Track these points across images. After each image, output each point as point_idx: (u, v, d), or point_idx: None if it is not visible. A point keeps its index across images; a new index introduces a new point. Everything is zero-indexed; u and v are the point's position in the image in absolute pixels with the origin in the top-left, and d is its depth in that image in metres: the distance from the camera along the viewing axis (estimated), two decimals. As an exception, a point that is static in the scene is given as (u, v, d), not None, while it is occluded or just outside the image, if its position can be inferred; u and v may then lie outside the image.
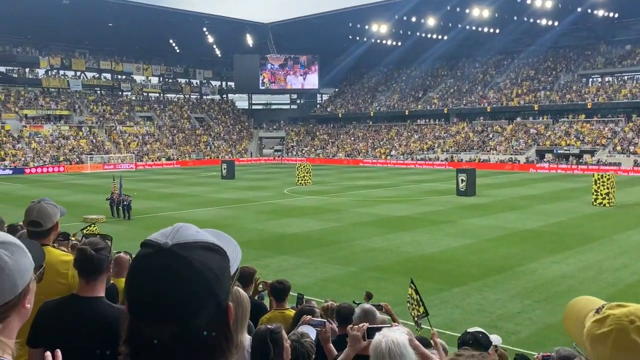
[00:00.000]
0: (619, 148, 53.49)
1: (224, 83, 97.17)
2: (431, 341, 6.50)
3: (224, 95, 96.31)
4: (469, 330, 4.42)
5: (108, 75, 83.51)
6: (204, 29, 77.95)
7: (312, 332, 3.64)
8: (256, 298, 6.19)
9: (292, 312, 5.08)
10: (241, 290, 3.25)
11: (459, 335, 10.08)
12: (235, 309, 3.13)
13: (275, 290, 5.49)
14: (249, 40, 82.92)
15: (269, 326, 3.15)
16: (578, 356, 4.02)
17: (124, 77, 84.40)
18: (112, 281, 4.83)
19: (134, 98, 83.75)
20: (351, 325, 3.48)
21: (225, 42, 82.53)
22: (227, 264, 1.19)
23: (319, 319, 3.94)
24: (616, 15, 64.37)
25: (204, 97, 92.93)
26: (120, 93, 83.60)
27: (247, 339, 3.18)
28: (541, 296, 13.49)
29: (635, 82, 60.93)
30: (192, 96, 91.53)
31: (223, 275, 1.15)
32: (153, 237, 1.17)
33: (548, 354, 4.70)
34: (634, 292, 13.69)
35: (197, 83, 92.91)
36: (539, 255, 17.67)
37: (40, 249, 1.74)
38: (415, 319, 7.90)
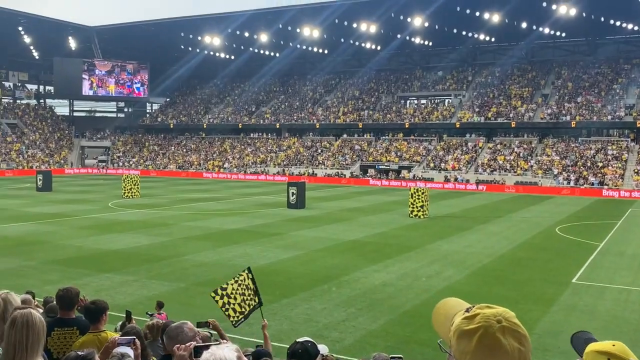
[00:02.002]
0: (432, 165, 58.67)
1: (41, 87, 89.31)
2: (265, 332, 6.51)
3: (42, 101, 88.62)
4: (298, 340, 4.48)
5: None
6: (20, 28, 71.11)
7: (131, 352, 3.51)
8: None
9: (109, 334, 4.74)
10: (34, 312, 2.95)
11: (288, 346, 10.10)
12: (24, 331, 2.80)
13: (88, 311, 5.06)
14: (72, 43, 77.26)
15: (79, 352, 2.90)
16: (444, 352, 4.26)
17: None
18: None
19: None
20: (177, 345, 3.34)
21: (44, 43, 76.07)
22: None
23: (128, 337, 3.76)
24: (431, 43, 70.88)
25: (18, 101, 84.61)
26: None
27: None
28: (364, 304, 14.20)
29: (445, 105, 67.41)
30: (3, 100, 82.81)
31: None
32: None
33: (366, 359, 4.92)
34: (445, 297, 14.94)
35: (10, 86, 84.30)
36: (362, 265, 18.63)
37: None
38: (248, 310, 7.57)
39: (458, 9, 55.54)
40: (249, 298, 7.45)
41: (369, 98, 73.24)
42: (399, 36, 65.94)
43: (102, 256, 19.72)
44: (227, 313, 7.14)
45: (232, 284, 7.30)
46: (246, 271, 7.55)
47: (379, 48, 71.83)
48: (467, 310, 1.52)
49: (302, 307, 13.80)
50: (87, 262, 18.71)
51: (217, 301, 7.17)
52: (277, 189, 47.60)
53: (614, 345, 1.78)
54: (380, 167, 61.03)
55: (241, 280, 7.40)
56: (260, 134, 75.54)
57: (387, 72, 77.12)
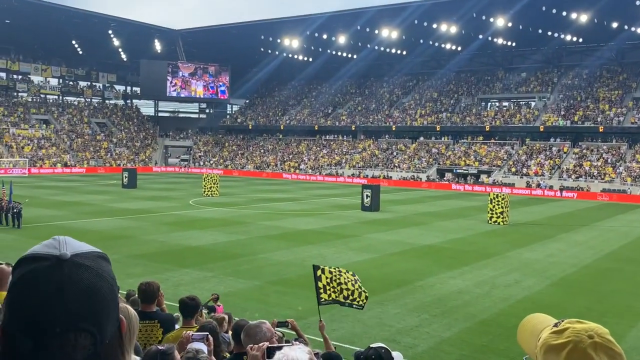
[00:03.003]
0: (513, 169, 56.77)
1: (128, 88, 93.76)
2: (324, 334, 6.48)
3: (129, 101, 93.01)
4: (372, 345, 4.39)
5: (3, 75, 78.28)
6: (110, 32, 74.97)
7: (205, 348, 3.58)
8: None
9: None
10: (130, 307, 3.07)
11: (360, 349, 10.05)
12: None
13: (184, 306, 5.20)
14: (157, 45, 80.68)
15: (160, 347, 2.97)
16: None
17: (20, 77, 79.50)
18: None
19: (30, 99, 78.98)
20: (251, 345, 3.36)
21: (131, 46, 79.84)
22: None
23: (201, 333, 3.82)
24: (514, 44, 68.69)
25: (107, 101, 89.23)
26: (15, 94, 78.60)
27: (135, 359, 3.01)
28: (438, 310, 13.90)
29: (528, 108, 65.11)
30: (93, 100, 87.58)
31: (116, 285, 1.14)
32: (40, 250, 1.09)
33: None
34: (523, 308, 14.41)
35: (100, 87, 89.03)
36: (437, 270, 18.26)
37: None
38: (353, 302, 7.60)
39: (544, 8, 53.46)
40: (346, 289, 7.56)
41: (447, 100, 71.89)
42: (480, 37, 64.33)
43: (182, 252, 20.37)
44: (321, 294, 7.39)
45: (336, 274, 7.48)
46: (350, 273, 7.69)
47: (459, 49, 70.33)
48: (556, 325, 1.40)
49: (374, 310, 13.67)
50: (168, 257, 19.38)
51: (319, 276, 7.43)
52: (351, 191, 47.58)
53: None
54: (458, 171, 59.73)
55: (343, 275, 7.53)
56: (335, 135, 75.81)
57: (468, 73, 75.41)
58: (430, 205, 39.27)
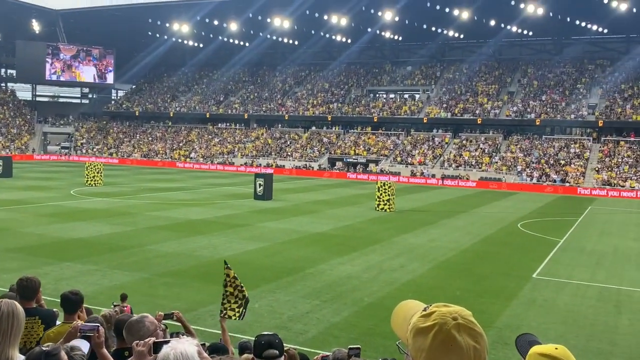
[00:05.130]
0: (399, 159, 59.10)
1: (3, 70, 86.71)
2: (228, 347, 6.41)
3: (3, 84, 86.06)
4: (264, 333, 4.36)
5: None
6: (-20, 8, 68.87)
7: (84, 345, 3.44)
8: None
9: None
10: (17, 304, 2.94)
11: (249, 338, 10.06)
12: (10, 320, 2.80)
13: (67, 301, 4.96)
14: (35, 26, 75.10)
15: (44, 347, 2.84)
16: (402, 354, 4.28)
17: None
18: None
19: None
20: (136, 342, 3.28)
21: (6, 25, 73.93)
22: None
23: (91, 324, 3.68)
24: (401, 38, 71.23)
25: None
26: None
27: (19, 357, 2.89)
28: (328, 296, 14.25)
29: (413, 100, 67.92)
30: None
31: None
32: None
33: (327, 354, 4.90)
34: (408, 290, 15.12)
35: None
36: (327, 257, 18.68)
37: None
38: (243, 309, 7.27)
39: (428, 4, 55.85)
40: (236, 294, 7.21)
41: (338, 91, 73.27)
42: (369, 30, 66.03)
43: (63, 245, 19.32)
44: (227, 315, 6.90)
45: (230, 288, 7.09)
46: (226, 267, 7.22)
47: (349, 41, 71.86)
48: (425, 309, 1.52)
49: (266, 299, 13.77)
50: (47, 250, 18.31)
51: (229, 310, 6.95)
52: (244, 180, 47.34)
53: (556, 348, 1.81)
54: (348, 160, 61.20)
55: (231, 280, 7.15)
56: (228, 124, 74.87)
57: (357, 65, 77.23)
58: (322, 194, 39.98)
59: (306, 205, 32.88)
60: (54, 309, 5.71)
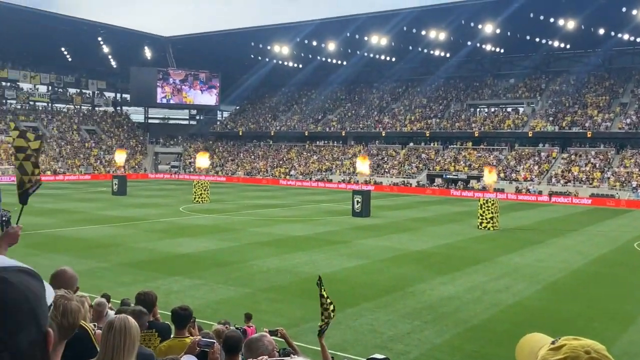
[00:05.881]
0: (502, 175, 57.07)
1: (118, 95, 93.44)
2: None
3: (118, 108, 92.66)
4: (375, 356, 4.38)
5: (-10, 81, 77.79)
6: (99, 39, 74.75)
7: None
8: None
9: (191, 340, 4.85)
10: (130, 319, 3.11)
11: (353, 356, 10.00)
12: (122, 336, 2.95)
13: (177, 316, 5.20)
14: (147, 52, 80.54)
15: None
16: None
17: (8, 84, 78.97)
18: None
19: (19, 107, 78.47)
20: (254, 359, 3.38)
21: (121, 53, 79.64)
22: (43, 290, 1.20)
23: (208, 340, 3.83)
24: (502, 50, 69.20)
25: (97, 108, 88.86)
26: (4, 101, 78.05)
27: None
28: (429, 317, 13.93)
29: (517, 113, 65.54)
30: (83, 107, 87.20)
31: (42, 299, 1.18)
32: None
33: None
34: (514, 313, 14.48)
35: (89, 94, 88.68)
36: (428, 276, 18.31)
37: None
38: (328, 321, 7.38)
39: (531, 15, 53.94)
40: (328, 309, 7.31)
41: (437, 106, 72.22)
42: (469, 43, 64.73)
43: (172, 259, 20.29)
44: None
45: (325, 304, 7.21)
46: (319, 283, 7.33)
47: (448, 55, 70.77)
48: (553, 342, 1.44)
49: (366, 317, 13.68)
50: (158, 265, 19.30)
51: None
52: (341, 196, 47.63)
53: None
54: (448, 176, 59.96)
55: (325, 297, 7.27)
56: (325, 141, 75.91)
57: (457, 79, 75.83)
58: (421, 211, 39.37)
59: (405, 222, 32.50)
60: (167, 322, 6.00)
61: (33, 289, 1.16)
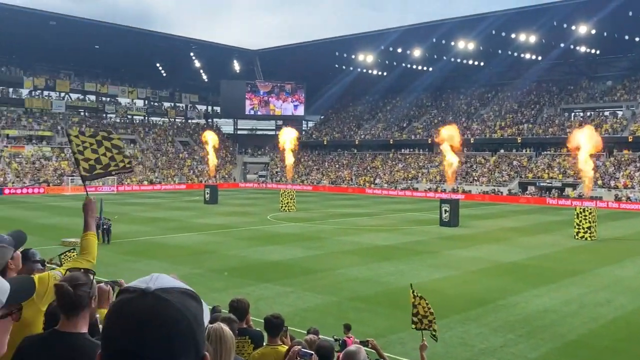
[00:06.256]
0: (600, 182, 54.09)
1: (209, 107, 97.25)
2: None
3: (209, 120, 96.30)
4: None
5: (92, 97, 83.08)
6: (191, 54, 78.23)
7: None
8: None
9: (284, 348, 4.92)
10: (225, 328, 3.19)
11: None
12: (217, 345, 3.02)
13: (269, 324, 5.30)
14: (236, 66, 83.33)
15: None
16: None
17: (108, 99, 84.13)
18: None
19: (118, 120, 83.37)
20: None
21: (212, 67, 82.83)
22: (202, 312, 1.19)
23: (307, 351, 3.88)
24: (598, 52, 65.79)
25: (189, 120, 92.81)
26: (104, 115, 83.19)
27: None
28: (523, 330, 13.38)
29: (615, 117, 62.00)
30: (177, 120, 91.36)
31: (201, 322, 1.16)
32: (132, 284, 1.18)
33: None
34: (616, 328, 13.65)
35: (182, 107, 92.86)
36: (521, 289, 17.61)
37: (28, 286, 1.55)
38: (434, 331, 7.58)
39: (630, 13, 50.99)
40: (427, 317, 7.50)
41: (528, 111, 69.66)
42: (561, 45, 62.11)
43: (262, 267, 20.73)
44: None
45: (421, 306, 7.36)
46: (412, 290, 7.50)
47: (539, 58, 68.13)
48: None
49: (456, 329, 13.35)
50: (248, 271, 19.77)
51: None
52: (428, 205, 46.88)
53: None
54: (541, 184, 57.57)
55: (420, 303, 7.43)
56: (411, 149, 75.06)
57: (549, 83, 72.81)
58: (513, 220, 38.03)
59: (496, 232, 31.49)
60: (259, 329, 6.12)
61: (194, 312, 1.14)
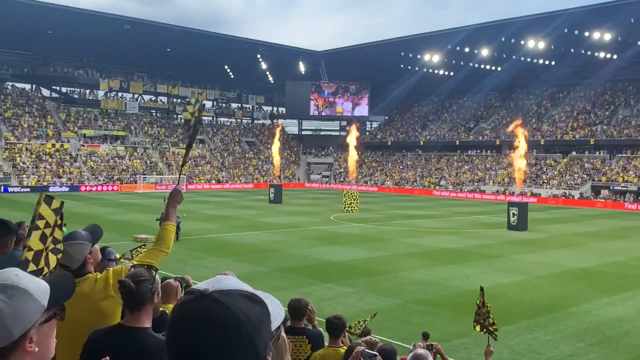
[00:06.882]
0: (681, 186, 51.24)
1: (275, 108, 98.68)
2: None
3: (275, 121, 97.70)
4: None
5: (164, 99, 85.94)
6: (258, 56, 79.61)
7: None
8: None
9: (345, 349, 4.94)
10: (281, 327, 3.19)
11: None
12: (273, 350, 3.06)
13: (331, 325, 5.31)
14: (301, 67, 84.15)
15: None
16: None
17: (179, 100, 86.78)
18: (161, 308, 4.77)
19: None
20: None
21: (277, 68, 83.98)
22: (267, 317, 1.18)
23: (371, 352, 3.89)
24: (679, 49, 62.33)
25: (255, 121, 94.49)
26: (175, 116, 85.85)
27: None
28: (595, 339, 12.87)
29: (699, 118, 58.54)
30: (243, 120, 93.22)
31: (262, 326, 1.15)
32: (196, 285, 1.22)
33: None
34: (697, 341, 12.90)
35: (249, 108, 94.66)
36: (593, 296, 16.94)
37: (68, 284, 1.65)
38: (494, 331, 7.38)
39: None
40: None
41: (602, 112, 66.81)
42: (639, 43, 59.14)
43: (324, 266, 20.84)
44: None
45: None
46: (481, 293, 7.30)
47: (614, 57, 65.18)
48: None
49: (524, 336, 12.98)
50: (311, 271, 19.92)
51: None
52: (495, 208, 45.75)
53: None
54: (615, 188, 55.10)
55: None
56: (478, 151, 73.43)
57: (625, 82, 69.54)
58: (585, 225, 36.58)
59: (567, 237, 30.38)
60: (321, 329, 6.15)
61: (252, 316, 1.13)
